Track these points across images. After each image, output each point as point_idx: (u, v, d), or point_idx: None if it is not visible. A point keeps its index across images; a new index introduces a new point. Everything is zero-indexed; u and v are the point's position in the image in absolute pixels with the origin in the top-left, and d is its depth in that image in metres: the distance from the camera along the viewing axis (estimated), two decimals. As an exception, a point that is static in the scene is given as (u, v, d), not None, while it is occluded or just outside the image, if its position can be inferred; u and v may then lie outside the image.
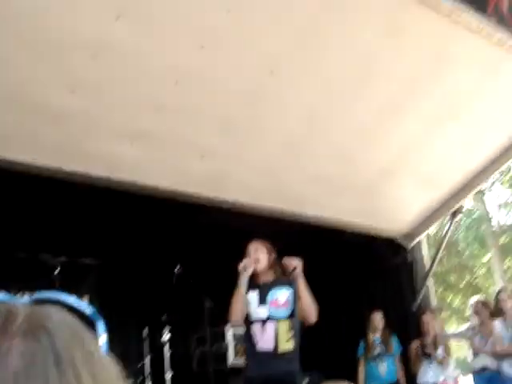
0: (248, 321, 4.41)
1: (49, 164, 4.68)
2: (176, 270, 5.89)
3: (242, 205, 5.19)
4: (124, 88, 4.35)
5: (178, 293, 6.14)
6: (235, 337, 6.23)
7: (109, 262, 6.52)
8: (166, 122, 4.70)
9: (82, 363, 0.49)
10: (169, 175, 5.26)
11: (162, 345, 5.82)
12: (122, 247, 6.31)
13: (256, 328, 4.36)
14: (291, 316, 4.39)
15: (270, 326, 4.36)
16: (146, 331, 5.97)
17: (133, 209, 5.76)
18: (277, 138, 5.25)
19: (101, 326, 0.60)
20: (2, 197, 5.22)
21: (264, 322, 4.37)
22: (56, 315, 0.53)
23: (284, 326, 4.38)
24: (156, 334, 6.11)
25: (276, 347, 4.32)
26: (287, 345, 4.35)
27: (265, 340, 4.32)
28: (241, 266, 4.37)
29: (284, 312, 4.42)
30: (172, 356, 5.84)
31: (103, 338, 0.59)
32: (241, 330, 6.16)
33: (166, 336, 5.85)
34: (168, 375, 5.71)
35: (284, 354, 4.30)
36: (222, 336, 6.27)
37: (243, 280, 4.36)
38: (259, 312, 4.37)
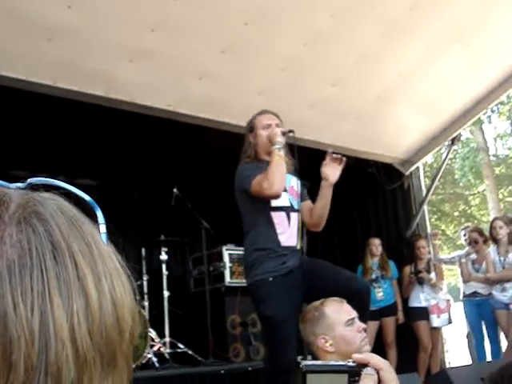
0: (267, 207, 3.72)
1: (45, 81, 4.61)
2: (174, 191, 5.91)
3: (240, 127, 5.15)
4: (122, 4, 4.24)
5: (175, 214, 6.17)
6: (231, 257, 6.32)
7: (107, 183, 6.54)
8: (165, 41, 4.61)
9: (81, 254, 0.47)
10: (167, 95, 5.21)
11: (160, 265, 5.90)
12: (119, 168, 6.31)
13: (279, 217, 3.73)
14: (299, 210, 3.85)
15: (294, 218, 3.79)
16: (143, 251, 6.03)
17: (130, 129, 5.72)
18: (277, 61, 5.17)
19: (100, 215, 0.56)
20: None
21: (288, 211, 3.77)
22: (52, 201, 0.50)
23: (299, 220, 3.83)
24: (154, 255, 6.19)
25: (297, 243, 3.77)
26: (299, 244, 3.80)
27: (290, 232, 3.74)
28: (277, 132, 3.68)
29: (297, 204, 3.87)
30: (169, 276, 5.93)
31: (103, 227, 0.55)
32: (237, 251, 6.27)
33: (164, 256, 5.92)
34: (165, 294, 5.81)
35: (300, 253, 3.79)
36: (219, 256, 6.35)
37: (282, 146, 3.67)
38: (280, 199, 3.71)
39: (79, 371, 0.44)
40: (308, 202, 4.01)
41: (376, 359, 0.99)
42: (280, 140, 3.68)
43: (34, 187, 0.54)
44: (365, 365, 0.97)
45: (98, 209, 0.56)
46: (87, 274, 0.46)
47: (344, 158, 3.76)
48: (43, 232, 0.46)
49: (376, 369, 0.97)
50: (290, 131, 3.82)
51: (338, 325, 2.57)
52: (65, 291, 0.44)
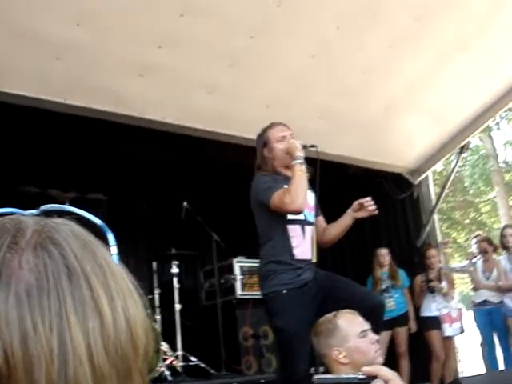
0: (283, 220, 3.72)
1: (54, 98, 4.66)
2: (183, 204, 5.93)
3: (248, 140, 5.17)
4: (130, 20, 4.29)
5: (185, 227, 6.20)
6: (242, 270, 6.32)
7: (117, 197, 6.57)
8: (172, 57, 4.65)
9: (94, 275, 0.49)
10: (176, 110, 5.24)
11: (171, 278, 5.91)
12: (130, 182, 6.35)
13: (294, 230, 3.74)
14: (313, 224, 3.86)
15: (309, 231, 3.80)
16: (154, 265, 6.05)
17: (140, 143, 5.76)
18: (284, 73, 5.20)
19: (111, 237, 0.59)
20: (9, 131, 5.22)
21: (303, 225, 3.78)
22: (65, 226, 0.53)
23: (314, 234, 3.85)
24: (165, 268, 6.20)
25: (312, 257, 3.79)
26: (315, 257, 3.82)
27: (305, 246, 3.75)
28: (297, 146, 3.67)
29: (312, 217, 3.87)
30: (181, 289, 5.94)
31: (114, 249, 0.58)
32: (248, 263, 6.29)
33: (175, 270, 5.94)
34: (177, 307, 5.82)
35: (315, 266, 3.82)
36: (229, 269, 6.36)
37: (303, 160, 3.65)
38: None
39: None
40: (321, 218, 4.04)
41: (384, 371, 1.01)
42: (301, 154, 3.67)
43: (48, 214, 0.57)
44: (374, 377, 0.99)
45: (109, 231, 0.59)
46: (101, 294, 0.48)
47: (375, 211, 3.86)
48: (58, 256, 0.48)
49: (385, 380, 0.99)
50: (312, 146, 3.84)
51: (352, 336, 2.58)
52: (80, 311, 0.47)
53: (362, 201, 3.85)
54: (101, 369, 0.46)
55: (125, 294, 0.51)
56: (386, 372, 1.01)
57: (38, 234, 0.50)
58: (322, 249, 4.09)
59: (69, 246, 0.50)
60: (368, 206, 3.81)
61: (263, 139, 3.90)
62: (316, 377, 1.02)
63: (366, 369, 1.01)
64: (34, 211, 0.57)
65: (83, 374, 0.45)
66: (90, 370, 0.45)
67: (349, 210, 3.89)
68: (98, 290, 0.48)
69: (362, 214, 3.86)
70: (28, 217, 0.54)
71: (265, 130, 3.93)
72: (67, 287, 0.47)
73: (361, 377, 1.01)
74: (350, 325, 2.63)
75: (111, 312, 0.48)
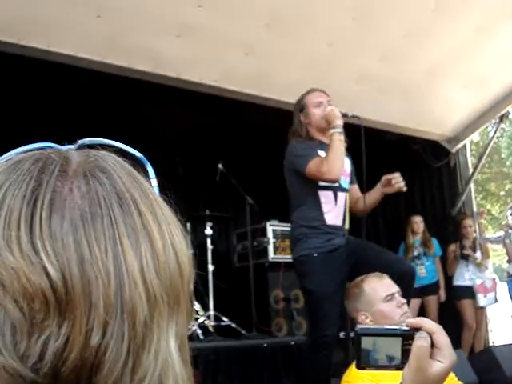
0: (315, 186, 3.71)
1: (92, 57, 4.67)
2: (218, 166, 5.94)
3: (285, 103, 5.13)
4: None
5: (220, 189, 6.22)
6: (275, 233, 6.34)
7: (152, 158, 6.58)
8: (211, 17, 4.61)
9: (143, 203, 0.50)
10: (213, 71, 5.22)
11: (205, 239, 5.96)
12: (165, 142, 6.36)
13: (326, 196, 3.73)
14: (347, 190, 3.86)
15: (342, 198, 3.80)
16: (188, 226, 6.10)
17: (176, 104, 5.77)
18: (323, 36, 5.12)
19: (151, 170, 0.60)
20: (44, 88, 5.27)
21: (335, 191, 3.76)
22: (109, 157, 0.54)
23: (347, 200, 3.85)
24: (199, 229, 6.25)
25: (344, 223, 3.80)
26: (347, 223, 3.84)
27: (336, 212, 3.76)
28: (336, 114, 3.65)
29: (347, 184, 3.86)
30: (214, 250, 5.99)
31: (154, 182, 0.60)
32: (281, 227, 6.30)
33: (209, 231, 5.98)
34: (210, 268, 5.88)
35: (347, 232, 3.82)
36: (263, 232, 6.38)
37: (341, 129, 3.62)
38: None
39: (151, 309, 0.47)
40: (355, 187, 4.04)
41: (429, 323, 1.00)
42: (340, 123, 3.65)
43: (86, 147, 0.58)
44: (418, 329, 0.99)
45: (148, 164, 0.61)
46: (150, 221, 0.50)
47: (403, 187, 3.83)
48: (108, 183, 0.50)
49: (429, 332, 0.99)
50: (354, 116, 3.82)
51: (377, 301, 2.60)
52: (133, 236, 0.48)
53: (389, 176, 3.82)
54: (154, 292, 0.47)
55: (170, 224, 0.53)
56: (431, 324, 1.01)
57: (84, 162, 0.51)
58: (355, 215, 4.10)
59: (117, 174, 0.51)
60: (395, 183, 3.78)
61: (300, 104, 3.91)
62: (359, 326, 1.02)
63: (409, 321, 1.01)
64: (70, 146, 0.57)
65: (138, 296, 0.46)
66: (144, 292, 0.47)
67: (378, 185, 3.88)
68: (147, 217, 0.50)
69: (389, 190, 3.83)
70: (69, 149, 0.55)
71: (302, 96, 3.93)
72: (119, 213, 0.48)
73: (405, 328, 1.01)
74: (374, 289, 2.64)
75: (160, 239, 0.50)
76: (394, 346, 1.00)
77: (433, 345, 0.98)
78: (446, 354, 0.99)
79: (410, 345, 0.99)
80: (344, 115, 3.72)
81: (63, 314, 0.44)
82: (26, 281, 0.43)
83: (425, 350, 0.98)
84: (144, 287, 0.47)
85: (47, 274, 0.44)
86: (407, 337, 0.99)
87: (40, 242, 0.44)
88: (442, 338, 0.99)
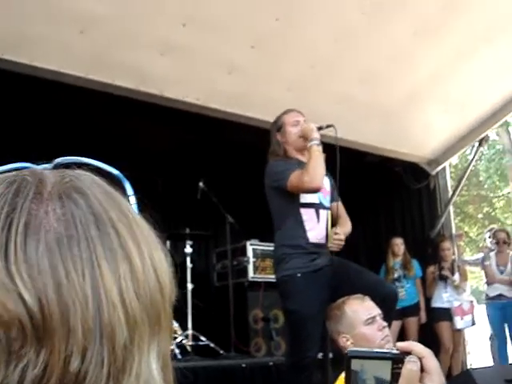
0: (296, 204, 3.73)
1: (75, 73, 4.66)
2: (199, 185, 5.93)
3: (267, 123, 5.15)
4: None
5: (200, 207, 6.20)
6: (255, 252, 6.33)
7: (132, 175, 6.56)
8: (195, 36, 4.63)
9: (121, 223, 0.49)
10: (196, 89, 5.23)
11: (184, 258, 5.93)
12: (145, 160, 6.34)
13: (308, 214, 3.75)
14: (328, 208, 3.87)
15: (323, 215, 3.81)
16: (168, 244, 6.07)
17: (158, 122, 5.76)
18: (306, 57, 5.17)
19: (129, 187, 0.59)
20: (27, 103, 5.24)
21: (317, 208, 3.78)
22: (86, 176, 0.53)
23: (329, 218, 3.86)
24: (178, 248, 6.22)
25: (327, 241, 3.76)
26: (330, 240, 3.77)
27: (319, 230, 3.76)
28: (312, 127, 3.70)
29: (327, 202, 3.87)
30: (193, 269, 5.96)
31: (133, 199, 0.58)
32: (261, 246, 6.30)
33: (188, 250, 5.96)
34: (189, 287, 5.85)
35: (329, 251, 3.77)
36: (243, 251, 6.37)
37: (319, 141, 3.67)
38: (309, 196, 3.73)
39: (130, 331, 0.46)
40: (335, 205, 3.98)
41: (419, 348, 1.01)
42: (317, 136, 3.69)
43: (62, 166, 0.57)
44: (408, 353, 0.99)
45: (126, 181, 0.59)
46: (128, 241, 0.49)
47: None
48: (84, 204, 0.49)
49: (419, 356, 0.99)
50: (329, 126, 3.84)
51: (358, 324, 2.61)
52: (110, 257, 0.47)
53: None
54: (133, 313, 0.47)
55: (150, 242, 0.52)
56: (421, 348, 1.01)
57: (60, 183, 0.50)
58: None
59: (93, 194, 0.50)
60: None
61: (277, 124, 3.95)
62: (350, 349, 1.02)
63: (400, 344, 1.01)
64: (46, 165, 0.56)
65: (117, 318, 0.45)
66: (123, 315, 0.46)
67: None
68: (125, 236, 0.49)
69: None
70: (44, 170, 0.54)
71: (279, 117, 3.97)
72: (96, 235, 0.47)
73: (395, 352, 1.01)
74: (356, 312, 2.64)
75: (139, 258, 0.49)
76: (383, 369, 1.00)
77: (422, 369, 0.99)
78: (435, 379, 0.99)
79: (400, 368, 0.99)
80: (319, 128, 3.76)
81: (41, 341, 0.43)
82: (2, 308, 0.42)
83: (415, 373, 0.98)
84: (123, 310, 0.46)
85: (23, 301, 0.42)
86: (397, 360, 0.99)
87: (15, 267, 0.43)
88: (432, 362, 1.00)
